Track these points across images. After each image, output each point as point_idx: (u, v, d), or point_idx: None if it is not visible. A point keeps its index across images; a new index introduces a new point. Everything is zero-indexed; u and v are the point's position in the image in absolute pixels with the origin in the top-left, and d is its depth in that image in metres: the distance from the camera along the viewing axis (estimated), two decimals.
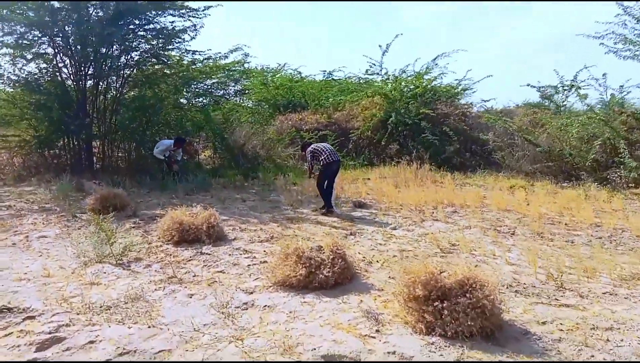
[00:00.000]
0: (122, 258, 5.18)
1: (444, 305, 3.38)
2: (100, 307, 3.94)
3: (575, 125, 10.65)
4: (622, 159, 10.20)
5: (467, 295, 3.40)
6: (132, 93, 13.05)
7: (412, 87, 15.02)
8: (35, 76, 11.40)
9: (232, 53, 13.86)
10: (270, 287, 4.35)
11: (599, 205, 8.47)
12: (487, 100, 15.47)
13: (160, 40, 12.20)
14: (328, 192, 8.05)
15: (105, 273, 4.83)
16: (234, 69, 14.56)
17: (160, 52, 12.44)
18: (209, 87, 14.79)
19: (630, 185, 10.39)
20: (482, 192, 9.83)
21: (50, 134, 11.53)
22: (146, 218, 7.05)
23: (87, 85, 11.90)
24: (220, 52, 13.62)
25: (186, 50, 12.52)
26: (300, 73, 19.24)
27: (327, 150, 8.04)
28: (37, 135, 11.52)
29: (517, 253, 5.76)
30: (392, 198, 8.98)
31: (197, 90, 14.38)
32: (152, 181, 10.80)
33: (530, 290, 4.43)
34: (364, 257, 5.39)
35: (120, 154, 13.18)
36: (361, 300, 4.05)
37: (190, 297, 4.16)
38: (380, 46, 16.16)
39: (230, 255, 5.30)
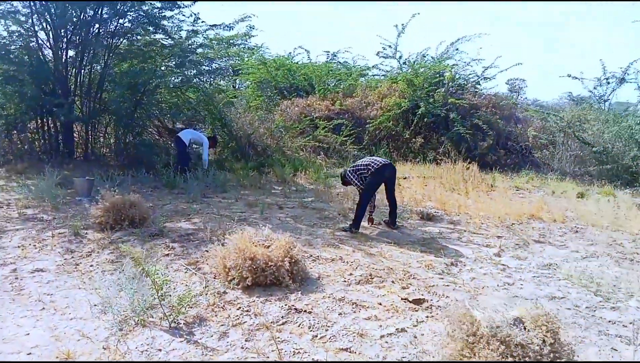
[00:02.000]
0: (177, 318, 3.37)
1: None
2: None
3: None
4: None
5: None
6: (120, 68, 10.90)
7: (436, 73, 13.41)
8: (4, 41, 9.11)
9: (237, 24, 11.76)
10: None
11: None
12: (516, 91, 13.94)
13: (157, 4, 10.08)
14: (392, 205, 6.44)
15: (160, 350, 3.03)
16: (237, 43, 12.51)
17: (157, 19, 10.31)
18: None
19: None
20: (550, 199, 8.41)
21: (22, 113, 9.34)
22: (178, 239, 5.16)
23: (69, 56, 9.70)
24: (223, 22, 11.48)
25: (191, 15, 10.38)
26: (308, 52, 17.21)
27: (371, 159, 6.36)
28: (5, 115, 9.31)
29: None
30: (460, 208, 7.41)
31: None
32: (151, 176, 8.84)
33: None
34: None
35: (103, 140, 11.07)
36: None
37: None
38: (396, 26, 14.40)
39: (340, 313, 3.55)
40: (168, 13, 10.45)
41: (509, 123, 12.86)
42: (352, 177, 6.23)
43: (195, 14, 10.41)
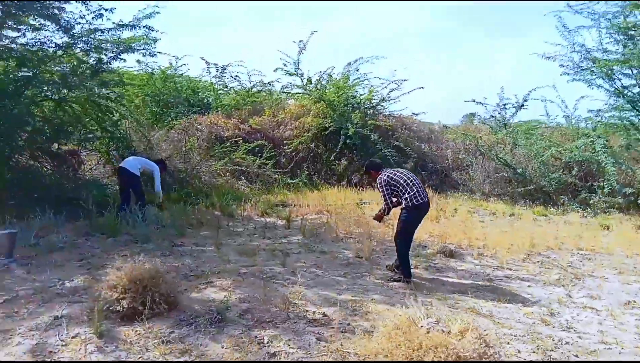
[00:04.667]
0: None
1: None
2: None
3: (597, 147, 10.00)
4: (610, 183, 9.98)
5: None
6: None
7: (355, 94, 13.02)
8: None
9: (140, 21, 9.53)
10: None
11: None
12: (417, 114, 14.20)
13: None
14: (408, 249, 5.29)
15: None
16: (138, 48, 10.31)
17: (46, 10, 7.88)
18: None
19: (610, 209, 10.23)
20: (518, 223, 8.49)
21: None
22: (250, 323, 3.55)
23: None
24: (121, 20, 9.15)
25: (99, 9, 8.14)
26: (209, 64, 15.08)
27: (412, 181, 5.20)
28: None
29: None
30: (461, 240, 6.93)
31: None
32: (69, 217, 6.60)
33: None
34: None
35: None
36: None
37: None
38: (299, 42, 13.59)
39: None
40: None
41: (423, 144, 13.05)
42: (384, 186, 5.19)
43: (103, 8, 8.23)
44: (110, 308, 3.31)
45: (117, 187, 9.16)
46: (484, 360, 2.74)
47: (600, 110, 11.26)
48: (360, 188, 11.27)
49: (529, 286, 5.26)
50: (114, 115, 9.93)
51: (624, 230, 8.09)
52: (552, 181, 10.85)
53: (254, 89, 15.09)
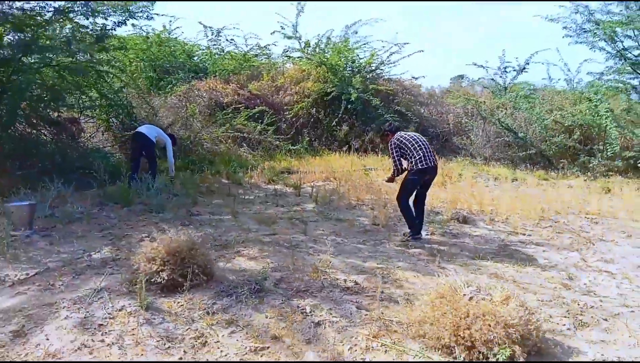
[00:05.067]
0: None
1: None
2: None
3: (601, 111, 10.05)
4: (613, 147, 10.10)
5: None
6: None
7: (355, 58, 12.83)
8: None
9: None
10: None
11: None
12: (417, 78, 14.07)
13: None
14: (418, 210, 5.51)
15: None
16: (136, 12, 10.01)
17: None
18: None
19: (609, 173, 10.39)
20: (524, 188, 8.61)
21: None
22: (290, 293, 3.59)
23: None
24: None
25: None
26: (206, 28, 14.71)
27: (420, 145, 5.31)
28: None
29: None
30: (472, 206, 7.02)
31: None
32: (79, 187, 6.51)
33: None
34: None
35: None
36: None
37: None
38: (297, 4, 13.25)
39: None
40: None
41: (423, 109, 13.01)
42: (394, 148, 5.34)
43: None
44: (152, 280, 3.32)
45: (121, 155, 9.13)
46: (529, 326, 2.81)
47: (602, 73, 11.25)
48: (363, 153, 11.32)
49: (544, 251, 5.37)
50: (113, 82, 9.72)
51: (626, 194, 8.24)
52: (553, 145, 10.95)
53: (251, 53, 14.79)
